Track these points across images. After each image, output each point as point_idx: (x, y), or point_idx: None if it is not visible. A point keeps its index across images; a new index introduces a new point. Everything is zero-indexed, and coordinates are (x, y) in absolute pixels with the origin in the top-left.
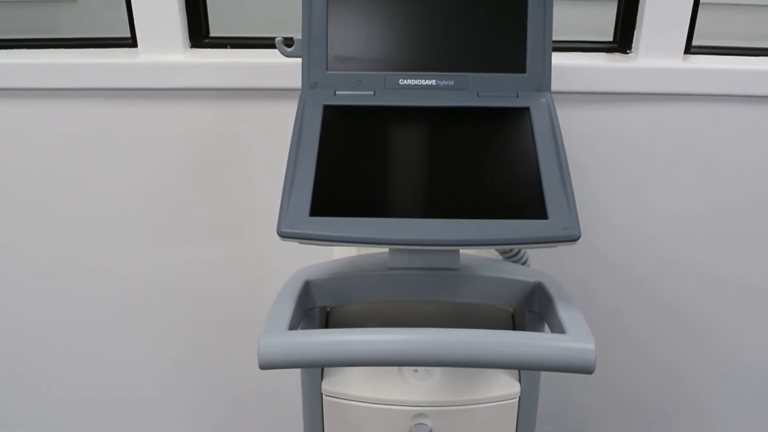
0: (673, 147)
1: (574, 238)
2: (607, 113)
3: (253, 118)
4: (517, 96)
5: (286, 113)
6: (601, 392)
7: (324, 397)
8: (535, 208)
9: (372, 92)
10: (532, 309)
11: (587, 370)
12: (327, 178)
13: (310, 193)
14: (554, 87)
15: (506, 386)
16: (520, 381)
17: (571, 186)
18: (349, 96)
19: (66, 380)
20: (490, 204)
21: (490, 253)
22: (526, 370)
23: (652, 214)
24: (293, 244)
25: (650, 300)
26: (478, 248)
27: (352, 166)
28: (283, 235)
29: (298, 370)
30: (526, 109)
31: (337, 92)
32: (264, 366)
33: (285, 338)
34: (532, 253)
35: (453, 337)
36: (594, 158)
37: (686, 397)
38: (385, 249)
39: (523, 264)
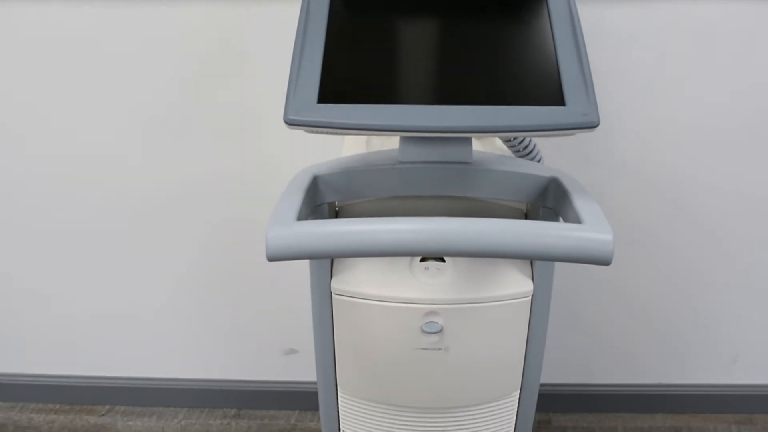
0: (693, 49)
1: (592, 125)
2: (625, 11)
3: (257, 17)
4: None
5: (290, 12)
6: (611, 301)
7: (333, 295)
8: (553, 95)
9: None
10: (547, 205)
11: (604, 260)
12: (335, 65)
13: (318, 80)
14: None
15: (519, 284)
16: (533, 279)
17: (590, 72)
18: None
19: (76, 291)
20: (505, 90)
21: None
22: (542, 260)
23: (669, 118)
24: (302, 145)
25: (665, 207)
26: (491, 135)
27: (361, 52)
28: (290, 123)
29: (308, 270)
30: None
31: None
32: (272, 257)
33: (293, 228)
34: (544, 157)
35: (468, 226)
36: (609, 60)
37: (698, 305)
38: (395, 144)
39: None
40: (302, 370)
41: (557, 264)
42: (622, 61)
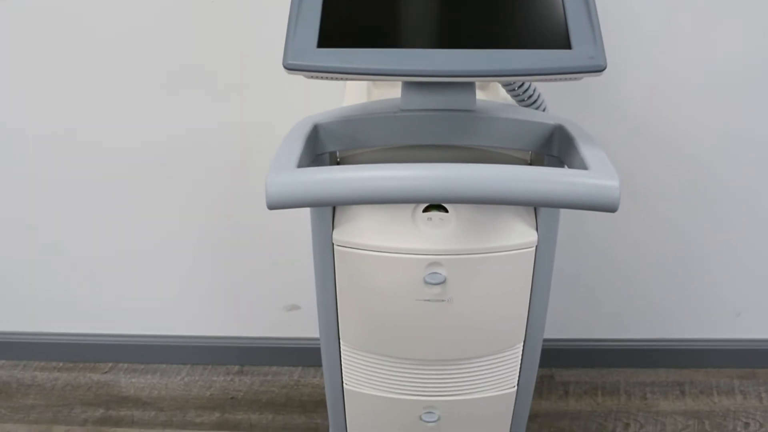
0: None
1: (599, 69)
2: None
3: None
4: None
5: None
6: (613, 255)
7: (335, 247)
8: (558, 38)
9: None
10: (552, 153)
11: (611, 207)
12: (336, 8)
13: (318, 23)
14: None
15: (523, 234)
16: (537, 230)
17: (596, 14)
18: None
19: (78, 249)
20: (509, 33)
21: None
22: (548, 207)
23: (675, 70)
24: (301, 96)
25: (668, 161)
26: (496, 79)
27: None
28: (289, 68)
29: (309, 223)
30: None
31: None
32: (272, 205)
33: (293, 175)
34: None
35: (474, 171)
36: (611, 9)
37: (702, 259)
38: (397, 95)
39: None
40: (305, 326)
41: (561, 216)
42: (624, 10)
